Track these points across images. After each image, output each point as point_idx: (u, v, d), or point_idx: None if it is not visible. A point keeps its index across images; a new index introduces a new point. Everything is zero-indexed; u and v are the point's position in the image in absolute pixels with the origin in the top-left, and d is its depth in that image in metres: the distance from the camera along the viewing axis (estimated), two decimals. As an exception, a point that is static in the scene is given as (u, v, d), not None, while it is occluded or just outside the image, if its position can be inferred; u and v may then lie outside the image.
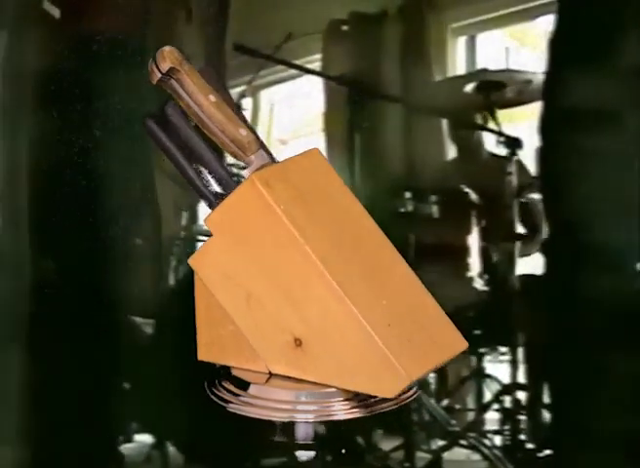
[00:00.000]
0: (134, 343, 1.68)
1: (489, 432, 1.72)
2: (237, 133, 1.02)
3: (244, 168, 1.04)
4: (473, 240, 1.89)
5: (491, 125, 1.96)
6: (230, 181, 1.04)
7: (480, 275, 1.88)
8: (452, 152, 2.02)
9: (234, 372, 1.11)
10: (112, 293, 1.63)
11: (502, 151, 1.94)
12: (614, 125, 1.68)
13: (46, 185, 1.59)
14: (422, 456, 1.69)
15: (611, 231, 1.69)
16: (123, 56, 1.63)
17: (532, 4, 1.93)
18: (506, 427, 1.73)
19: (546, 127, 1.80)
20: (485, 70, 2.01)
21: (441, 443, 1.71)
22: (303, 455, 1.11)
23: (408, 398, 1.03)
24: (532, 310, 1.80)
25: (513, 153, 1.93)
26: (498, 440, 1.71)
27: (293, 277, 0.99)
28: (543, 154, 1.85)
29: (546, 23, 1.88)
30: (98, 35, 1.58)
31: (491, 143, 2.00)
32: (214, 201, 1.05)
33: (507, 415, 1.74)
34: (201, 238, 1.86)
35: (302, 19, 1.86)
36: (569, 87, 1.73)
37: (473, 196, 1.91)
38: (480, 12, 1.96)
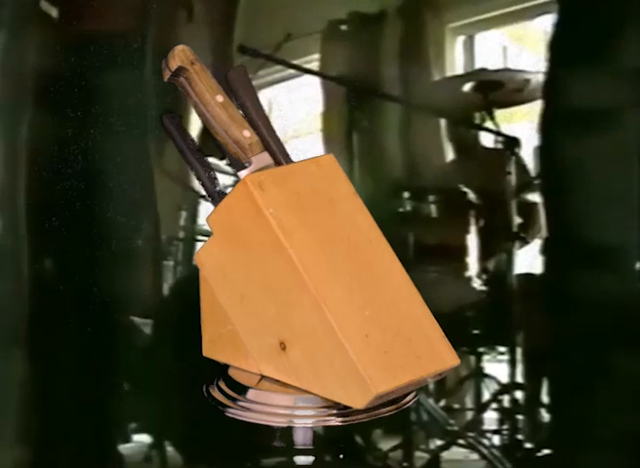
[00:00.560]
0: (132, 344, 1.68)
1: (487, 431, 1.72)
2: (239, 134, 1.03)
3: (244, 168, 1.05)
4: (472, 239, 1.89)
5: (489, 124, 1.96)
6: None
7: (479, 275, 1.88)
8: (450, 152, 2.02)
9: (230, 372, 1.12)
10: (111, 294, 1.63)
11: (501, 151, 1.94)
12: (614, 124, 1.68)
13: (44, 185, 1.60)
14: (421, 456, 1.69)
15: (611, 231, 1.69)
16: (123, 56, 1.63)
17: (530, 4, 1.93)
18: (505, 427, 1.73)
19: (546, 126, 1.80)
20: (483, 70, 2.01)
21: (439, 442, 1.71)
22: (302, 460, 1.11)
23: (407, 403, 1.03)
24: (531, 310, 1.80)
25: (512, 153, 1.93)
26: (496, 439, 1.71)
27: (278, 281, 0.99)
28: (543, 153, 1.85)
29: (545, 23, 1.88)
30: (97, 35, 1.58)
31: (489, 143, 2.00)
32: (218, 200, 1.06)
33: (506, 415, 1.74)
34: (200, 238, 1.86)
35: (301, 20, 1.86)
36: (569, 86, 1.73)
37: (472, 196, 1.91)
38: (479, 11, 1.96)
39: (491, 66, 2.00)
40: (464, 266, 1.87)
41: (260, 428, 1.04)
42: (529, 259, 1.89)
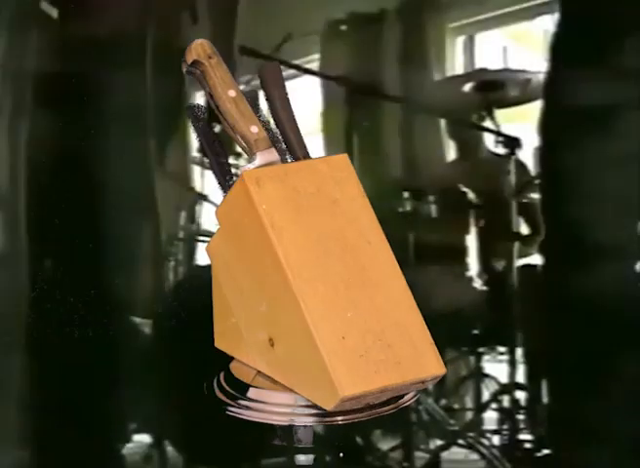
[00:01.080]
0: (132, 344, 1.68)
1: (487, 431, 1.72)
2: (247, 129, 1.02)
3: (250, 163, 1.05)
4: (472, 240, 1.89)
5: (490, 124, 1.96)
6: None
7: (479, 275, 1.88)
8: (451, 152, 2.02)
9: (231, 366, 1.11)
10: (111, 293, 1.63)
11: (501, 151, 1.94)
12: (614, 125, 1.68)
13: (43, 185, 1.60)
14: (421, 456, 1.69)
15: (610, 231, 1.69)
16: (123, 56, 1.63)
17: (530, 3, 1.93)
18: (505, 426, 1.73)
19: (546, 126, 1.80)
20: (484, 70, 2.01)
21: (439, 442, 1.71)
22: (303, 459, 1.11)
23: (407, 401, 1.03)
24: (531, 310, 1.80)
25: (512, 153, 1.93)
26: (496, 439, 1.71)
27: (267, 277, 0.99)
28: (543, 154, 1.85)
29: (545, 23, 1.88)
30: (97, 36, 1.58)
31: (490, 143, 2.00)
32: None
33: (506, 415, 1.74)
34: (200, 238, 1.87)
35: (301, 20, 1.86)
36: (569, 86, 1.73)
37: (472, 196, 1.91)
38: (479, 11, 1.96)
39: (491, 66, 2.00)
40: (465, 266, 1.87)
41: (261, 427, 1.04)
42: (529, 260, 1.89)
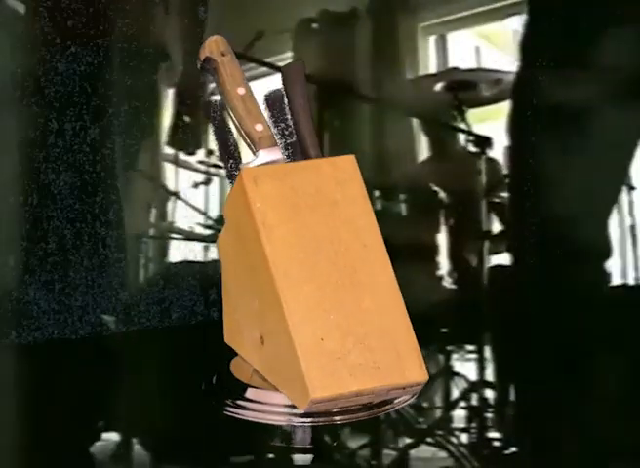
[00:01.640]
0: (108, 342, 1.67)
1: (456, 430, 1.72)
2: (251, 127, 1.03)
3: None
4: (442, 238, 1.90)
5: (461, 124, 1.97)
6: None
7: (449, 273, 1.88)
8: (422, 151, 2.02)
9: (231, 364, 1.11)
10: (83, 292, 1.63)
11: (473, 150, 1.95)
12: (584, 124, 1.69)
13: (8, 184, 1.59)
14: (389, 454, 1.69)
15: (580, 229, 1.70)
16: (92, 54, 1.62)
17: (502, 4, 1.94)
18: (473, 425, 1.73)
19: (518, 125, 1.81)
20: (456, 69, 2.01)
21: (408, 440, 1.71)
22: (301, 459, 1.10)
23: (405, 401, 1.03)
24: (500, 309, 1.81)
25: (483, 152, 1.94)
26: (464, 437, 1.71)
27: (258, 275, 0.99)
28: (514, 153, 1.86)
29: (517, 23, 1.89)
30: (68, 31, 1.57)
31: (461, 142, 2.00)
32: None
33: (474, 413, 1.74)
34: (172, 236, 1.86)
35: (273, 18, 1.86)
36: (539, 86, 1.74)
37: (443, 195, 1.92)
38: (450, 11, 1.96)
39: (463, 66, 2.00)
40: (434, 265, 1.88)
41: (258, 427, 1.03)
42: (500, 259, 1.90)
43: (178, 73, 1.87)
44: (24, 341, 1.57)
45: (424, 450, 1.70)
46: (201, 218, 1.89)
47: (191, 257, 1.90)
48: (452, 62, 2.03)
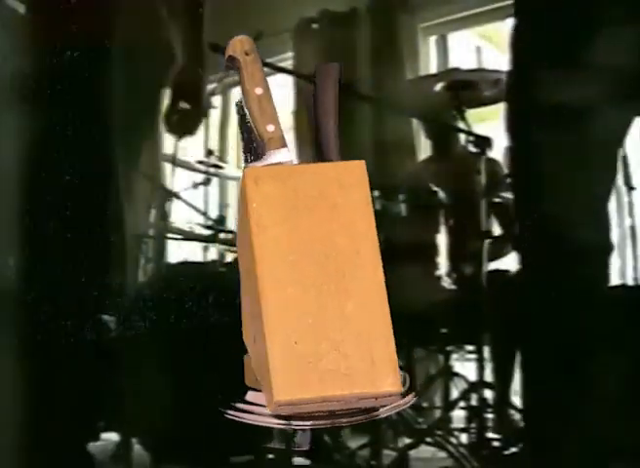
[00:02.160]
0: (108, 344, 1.67)
1: (455, 430, 1.72)
2: (263, 127, 1.03)
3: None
4: (442, 239, 1.89)
5: (462, 124, 1.96)
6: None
7: (448, 274, 1.88)
8: (422, 151, 2.02)
9: (245, 362, 1.10)
10: (82, 291, 1.63)
11: (473, 150, 1.95)
12: (583, 123, 1.69)
13: (11, 183, 1.59)
14: (389, 454, 1.69)
15: (581, 229, 1.70)
16: (93, 56, 1.62)
17: (502, 4, 1.94)
18: (473, 425, 1.73)
19: (518, 125, 1.81)
20: (456, 69, 2.01)
21: (408, 440, 1.71)
22: (300, 461, 1.10)
23: (406, 403, 1.02)
24: (500, 309, 1.81)
25: (483, 152, 1.93)
26: (464, 437, 1.71)
27: (251, 274, 0.99)
28: (513, 153, 1.86)
29: (515, 23, 1.88)
30: (67, 33, 1.57)
31: (462, 142, 2.00)
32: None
33: (474, 413, 1.75)
34: (170, 236, 1.86)
35: (273, 18, 1.86)
36: (537, 86, 1.73)
37: (442, 195, 1.92)
38: (450, 12, 1.96)
39: (464, 66, 2.00)
40: (434, 266, 1.87)
41: (258, 429, 1.03)
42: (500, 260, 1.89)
43: (178, 73, 1.87)
44: (26, 341, 1.57)
45: (424, 451, 1.71)
46: (201, 219, 1.90)
47: (191, 258, 1.90)
48: (452, 63, 2.03)
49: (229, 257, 1.95)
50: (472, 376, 1.80)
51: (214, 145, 1.97)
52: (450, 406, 1.78)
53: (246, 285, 1.04)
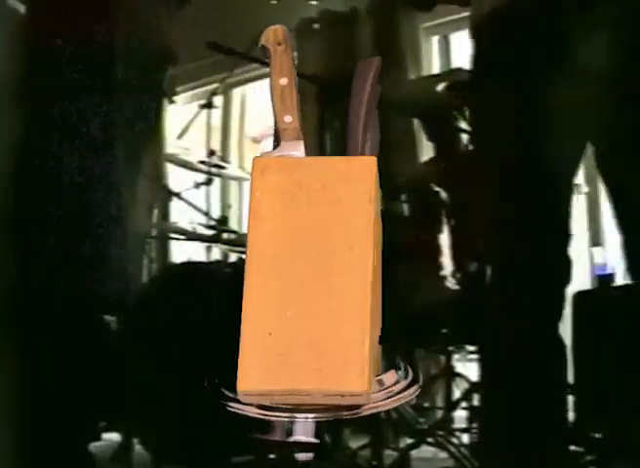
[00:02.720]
0: (112, 341, 1.67)
1: (457, 430, 1.72)
2: (281, 117, 1.04)
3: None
4: (444, 239, 1.89)
5: (464, 124, 1.96)
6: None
7: (452, 274, 1.88)
8: (425, 151, 2.02)
9: None
10: (84, 292, 1.63)
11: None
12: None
13: (10, 185, 1.59)
14: (390, 454, 1.69)
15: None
16: (95, 57, 1.62)
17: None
18: (474, 425, 1.73)
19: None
20: (459, 70, 2.01)
21: (409, 441, 1.71)
22: (303, 456, 1.10)
23: (409, 396, 1.02)
24: (502, 309, 1.80)
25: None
26: (465, 438, 1.71)
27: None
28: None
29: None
30: (64, 32, 1.57)
31: (464, 142, 2.00)
32: None
33: (475, 414, 1.74)
34: (172, 236, 1.86)
35: (273, 18, 1.85)
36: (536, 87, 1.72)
37: (444, 195, 1.91)
38: (451, 12, 1.96)
39: (467, 66, 2.00)
40: (437, 265, 1.87)
41: (262, 422, 1.03)
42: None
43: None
44: (26, 340, 1.57)
45: (425, 451, 1.71)
46: (203, 219, 1.90)
47: (193, 258, 1.90)
48: (455, 63, 2.03)
49: (232, 257, 1.95)
50: (474, 377, 1.79)
51: (216, 145, 1.97)
52: (451, 406, 1.78)
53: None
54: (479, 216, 1.81)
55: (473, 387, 1.77)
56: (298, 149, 1.05)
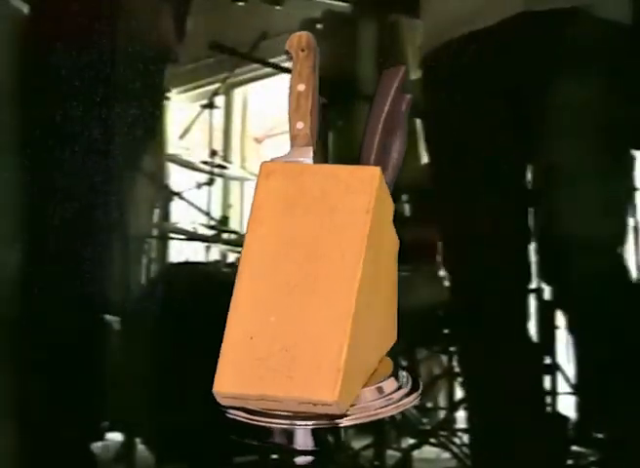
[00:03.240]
0: (106, 342, 1.67)
1: (459, 430, 1.72)
2: (294, 123, 1.04)
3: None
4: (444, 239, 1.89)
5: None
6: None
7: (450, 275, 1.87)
8: (425, 151, 2.02)
9: None
10: (83, 292, 1.63)
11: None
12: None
13: (9, 188, 1.59)
14: (393, 455, 1.69)
15: (583, 226, 1.69)
16: (93, 58, 1.62)
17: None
18: (474, 425, 1.73)
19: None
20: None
21: (411, 441, 1.71)
22: (302, 460, 1.10)
23: (409, 403, 1.02)
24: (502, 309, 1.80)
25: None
26: (467, 438, 1.71)
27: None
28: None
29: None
30: (66, 33, 1.57)
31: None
32: None
33: (476, 414, 1.74)
34: (174, 236, 1.86)
35: (277, 18, 1.86)
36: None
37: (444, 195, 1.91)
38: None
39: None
40: (437, 266, 1.87)
41: (261, 429, 1.03)
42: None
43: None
44: (27, 340, 1.57)
45: (428, 451, 1.71)
46: (204, 219, 1.90)
47: (194, 258, 1.90)
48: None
49: (232, 258, 1.95)
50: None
51: (217, 146, 1.97)
52: (454, 406, 1.78)
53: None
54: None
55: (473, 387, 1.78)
56: (307, 155, 1.05)
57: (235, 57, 1.90)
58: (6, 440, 1.53)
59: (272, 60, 1.88)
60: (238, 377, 0.92)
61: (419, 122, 1.97)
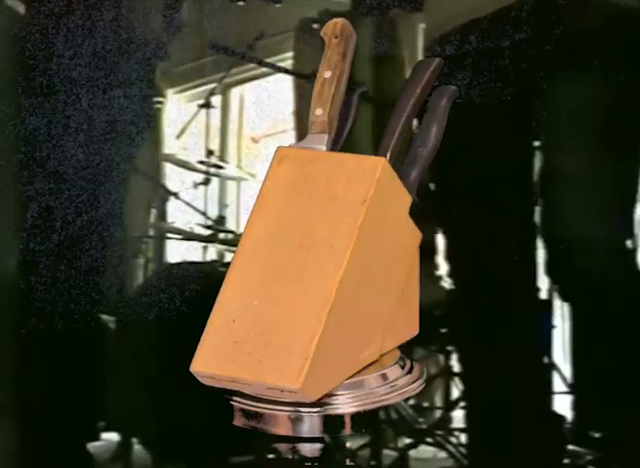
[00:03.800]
0: (102, 342, 1.67)
1: (456, 430, 1.72)
2: (313, 109, 1.05)
3: None
4: (441, 239, 1.89)
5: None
6: None
7: (448, 274, 1.88)
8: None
9: None
10: (80, 291, 1.63)
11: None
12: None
13: (10, 184, 1.59)
14: (389, 454, 1.69)
15: (583, 226, 1.69)
16: (94, 52, 1.62)
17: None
18: (472, 425, 1.73)
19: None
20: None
21: (408, 440, 1.71)
22: (309, 449, 1.10)
23: (412, 390, 1.02)
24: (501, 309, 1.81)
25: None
26: (464, 437, 1.71)
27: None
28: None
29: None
30: (66, 32, 1.57)
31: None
32: None
33: (474, 413, 1.74)
34: (170, 236, 1.86)
35: (274, 18, 1.86)
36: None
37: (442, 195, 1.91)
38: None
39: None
40: (434, 265, 1.87)
41: (265, 416, 1.03)
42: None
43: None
44: (24, 339, 1.57)
45: (424, 451, 1.71)
46: (201, 219, 1.89)
47: (190, 258, 1.90)
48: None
49: (228, 257, 1.94)
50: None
51: (214, 146, 1.97)
52: (450, 406, 1.78)
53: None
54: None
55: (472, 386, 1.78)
56: (321, 143, 1.06)
57: (232, 56, 1.90)
58: (4, 440, 1.53)
59: (269, 60, 1.88)
60: (214, 358, 0.94)
61: (416, 122, 1.97)
